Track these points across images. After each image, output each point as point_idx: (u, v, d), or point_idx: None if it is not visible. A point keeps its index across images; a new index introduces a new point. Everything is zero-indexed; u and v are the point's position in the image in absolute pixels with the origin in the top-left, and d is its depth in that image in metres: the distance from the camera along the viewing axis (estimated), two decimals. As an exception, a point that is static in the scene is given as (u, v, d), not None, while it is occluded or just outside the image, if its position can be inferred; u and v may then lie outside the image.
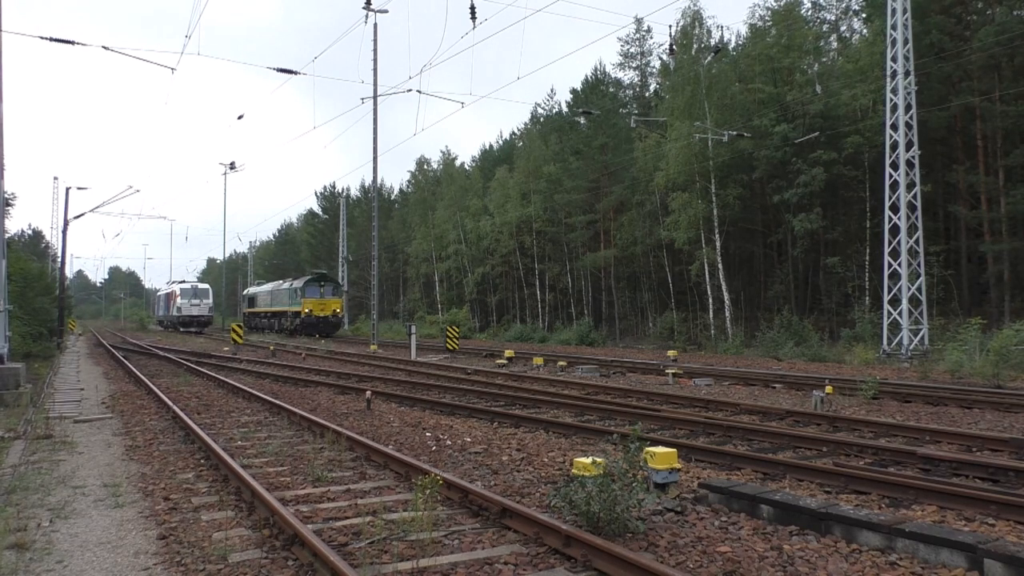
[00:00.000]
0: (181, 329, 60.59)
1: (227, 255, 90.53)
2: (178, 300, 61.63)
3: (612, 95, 49.78)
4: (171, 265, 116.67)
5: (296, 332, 48.30)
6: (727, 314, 34.65)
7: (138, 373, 19.51)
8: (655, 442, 8.73)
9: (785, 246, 35.71)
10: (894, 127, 24.53)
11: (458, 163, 64.31)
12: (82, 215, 39.91)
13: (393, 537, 5.62)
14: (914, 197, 24.54)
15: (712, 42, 36.80)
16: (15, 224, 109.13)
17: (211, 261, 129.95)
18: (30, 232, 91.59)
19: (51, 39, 19.92)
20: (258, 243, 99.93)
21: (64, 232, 37.23)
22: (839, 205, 33.75)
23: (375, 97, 35.24)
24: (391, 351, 32.07)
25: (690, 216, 34.89)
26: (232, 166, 53.32)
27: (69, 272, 75.25)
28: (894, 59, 24.43)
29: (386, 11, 32.53)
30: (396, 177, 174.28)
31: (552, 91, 74.74)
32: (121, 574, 5.11)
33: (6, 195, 16.15)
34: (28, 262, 34.74)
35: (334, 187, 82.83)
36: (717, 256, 34.58)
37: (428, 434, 10.49)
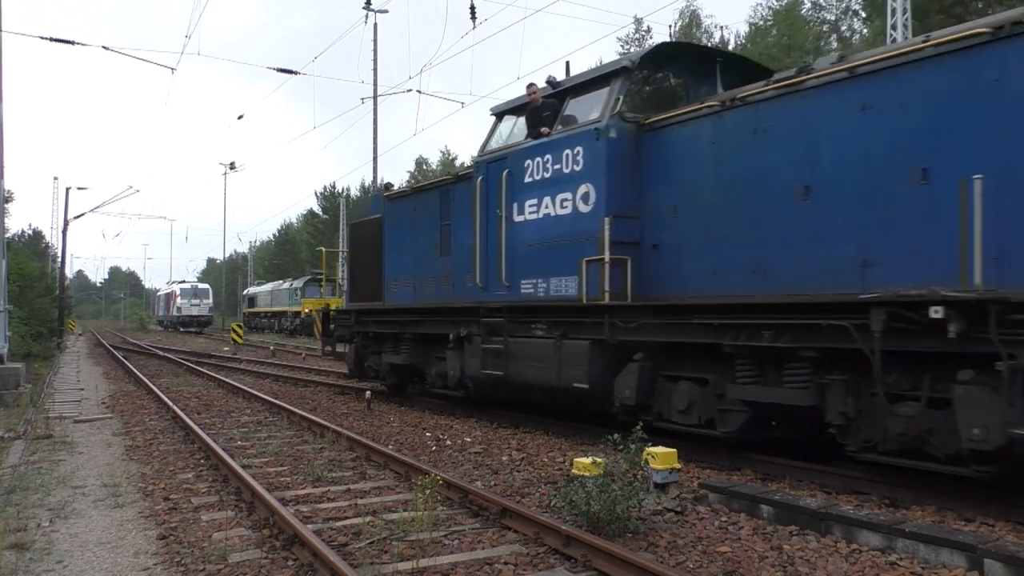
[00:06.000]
0: (181, 329, 60.57)
1: (227, 255, 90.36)
2: (178, 300, 61.65)
3: (612, 95, 49.76)
4: (171, 265, 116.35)
5: (296, 332, 48.29)
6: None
7: (138, 373, 19.51)
8: (655, 442, 8.71)
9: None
10: (894, 127, 24.50)
11: (458, 163, 64.34)
12: (82, 215, 39.98)
13: (393, 537, 5.61)
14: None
15: (712, 42, 36.85)
16: (15, 223, 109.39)
17: (211, 261, 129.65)
18: (30, 232, 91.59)
19: (51, 39, 20.00)
20: (258, 243, 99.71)
21: (64, 232, 37.27)
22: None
23: (375, 97, 35.24)
24: (391, 351, 31.98)
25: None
26: (232, 166, 53.53)
27: (69, 272, 75.16)
28: (894, 59, 24.41)
29: (386, 11, 32.55)
30: (396, 177, 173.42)
31: (552, 91, 74.59)
32: (121, 574, 5.11)
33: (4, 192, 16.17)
34: (28, 262, 34.74)
35: (334, 187, 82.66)
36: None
37: (428, 434, 10.49)
